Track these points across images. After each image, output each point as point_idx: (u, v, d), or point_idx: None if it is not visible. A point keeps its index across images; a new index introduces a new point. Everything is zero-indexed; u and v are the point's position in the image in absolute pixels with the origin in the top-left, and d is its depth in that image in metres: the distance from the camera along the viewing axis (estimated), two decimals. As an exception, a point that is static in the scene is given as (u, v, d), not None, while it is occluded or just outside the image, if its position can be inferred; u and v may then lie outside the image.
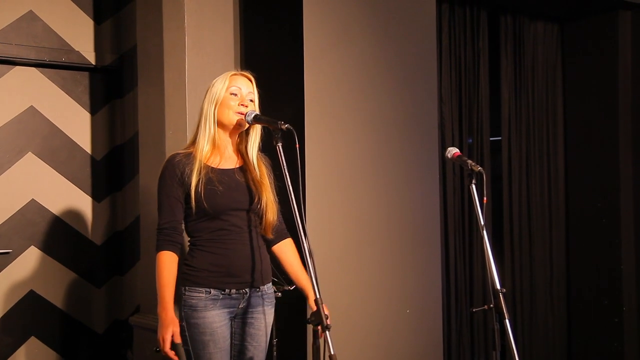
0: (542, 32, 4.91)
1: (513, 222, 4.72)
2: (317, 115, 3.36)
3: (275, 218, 2.66)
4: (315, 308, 2.43)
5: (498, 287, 2.55)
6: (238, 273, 2.57)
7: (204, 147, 2.59)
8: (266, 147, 2.73)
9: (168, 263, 2.52)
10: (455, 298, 4.35)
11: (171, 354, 2.45)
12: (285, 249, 2.76)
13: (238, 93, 2.62)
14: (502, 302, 2.52)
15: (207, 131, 2.60)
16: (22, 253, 3.82)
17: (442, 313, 3.92)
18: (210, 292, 2.55)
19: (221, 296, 2.56)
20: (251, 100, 2.65)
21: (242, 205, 2.59)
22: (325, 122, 3.41)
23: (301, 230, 2.35)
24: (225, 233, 2.57)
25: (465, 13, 4.49)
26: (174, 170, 2.56)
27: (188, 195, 2.55)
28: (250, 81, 2.68)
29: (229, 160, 2.65)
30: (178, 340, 2.47)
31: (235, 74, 2.67)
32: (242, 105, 2.61)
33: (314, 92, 3.35)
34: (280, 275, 2.99)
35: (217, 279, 2.56)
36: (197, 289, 2.56)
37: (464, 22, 4.47)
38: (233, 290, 2.58)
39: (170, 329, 2.45)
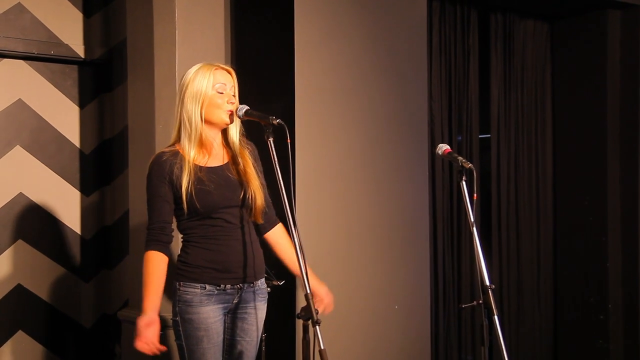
0: (532, 31, 4.93)
1: (501, 220, 4.74)
2: (307, 110, 3.36)
3: (263, 202, 2.64)
4: (312, 295, 2.43)
5: (487, 283, 2.56)
6: (232, 269, 2.57)
7: (191, 151, 2.54)
8: (257, 142, 2.73)
9: (154, 263, 2.51)
10: (443, 294, 4.37)
11: (162, 347, 2.46)
12: (278, 236, 2.75)
13: (223, 90, 2.56)
14: (491, 299, 2.53)
15: (194, 133, 2.53)
16: (9, 247, 3.80)
17: (430, 309, 3.94)
18: (205, 288, 2.54)
19: (216, 292, 2.56)
20: (233, 95, 2.61)
21: (233, 203, 2.58)
22: (316, 117, 3.41)
23: (292, 226, 2.35)
24: (219, 230, 2.56)
25: (456, 11, 4.50)
26: (161, 171, 2.53)
27: (178, 195, 2.52)
28: (230, 74, 2.62)
29: (217, 157, 2.62)
30: (159, 346, 2.46)
31: (216, 69, 2.58)
32: (230, 103, 2.58)
33: (305, 88, 3.35)
34: (270, 270, 2.99)
35: (211, 275, 2.55)
36: (192, 284, 2.55)
37: (455, 20, 4.49)
38: (228, 286, 2.57)
39: (152, 330, 2.44)
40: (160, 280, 2.52)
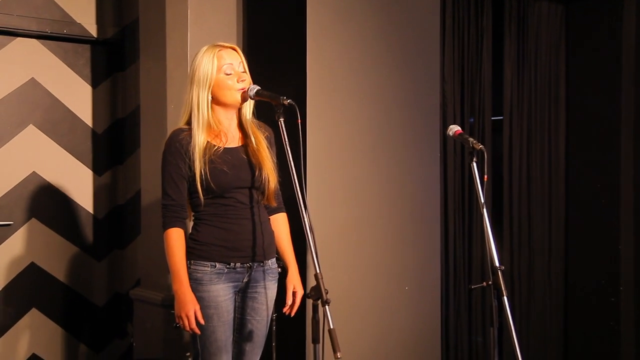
0: (546, 13, 4.88)
1: (513, 202, 4.73)
2: (319, 91, 3.35)
3: (277, 184, 2.68)
4: (289, 287, 2.64)
5: (497, 264, 2.56)
6: (242, 247, 2.59)
7: (200, 134, 2.54)
8: (268, 123, 2.74)
9: (178, 240, 2.54)
10: (454, 275, 4.37)
11: (197, 330, 2.50)
12: (277, 223, 2.78)
13: (232, 70, 2.57)
14: (501, 279, 2.54)
15: (202, 118, 2.55)
16: (23, 225, 3.84)
17: (440, 290, 3.95)
18: (215, 266, 2.57)
19: (226, 270, 2.58)
20: (244, 72, 2.61)
21: (246, 184, 2.60)
22: (327, 98, 3.40)
23: (302, 206, 2.36)
24: (230, 209, 2.58)
25: (470, -9, 4.46)
26: (178, 147, 2.55)
27: (192, 173, 2.55)
28: (236, 51, 2.62)
29: (233, 139, 2.64)
30: (202, 320, 2.50)
31: (220, 50, 2.58)
32: (241, 81, 2.58)
33: (317, 68, 3.34)
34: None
35: (222, 253, 2.57)
36: (202, 262, 2.57)
37: (468, 1, 4.44)
38: (238, 264, 2.59)
39: (192, 307, 2.48)
40: (185, 256, 2.56)
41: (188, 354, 2.61)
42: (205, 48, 2.61)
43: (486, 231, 2.61)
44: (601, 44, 4.81)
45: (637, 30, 4.70)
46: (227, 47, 2.61)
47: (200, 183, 2.53)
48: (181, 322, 2.50)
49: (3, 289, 3.79)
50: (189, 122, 2.60)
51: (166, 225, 2.56)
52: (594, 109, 4.84)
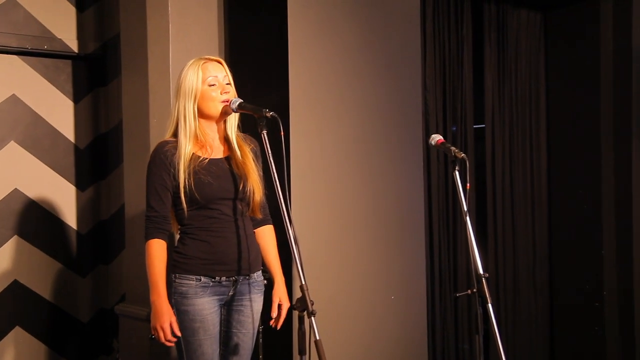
0: (525, 21, 4.94)
1: (496, 209, 4.76)
2: (301, 102, 3.36)
3: (262, 196, 2.68)
4: (275, 299, 2.64)
5: (481, 272, 2.57)
6: (227, 260, 2.59)
7: (186, 145, 2.56)
8: (252, 136, 2.74)
9: (159, 251, 2.54)
10: (440, 284, 4.39)
11: (171, 343, 2.49)
12: (264, 235, 2.78)
13: (216, 82, 2.59)
14: (485, 287, 2.55)
15: (188, 129, 2.57)
16: (5, 243, 3.81)
17: (426, 299, 3.96)
18: (200, 280, 2.57)
19: (211, 283, 2.58)
20: (228, 84, 2.64)
21: (231, 195, 2.60)
22: (310, 109, 3.41)
23: (286, 218, 2.36)
24: (214, 221, 2.58)
25: (449, 1, 4.49)
26: (163, 158, 2.56)
27: (177, 184, 2.55)
28: (221, 64, 2.66)
29: (218, 150, 2.66)
30: (178, 332, 2.50)
31: (205, 62, 2.62)
32: (224, 93, 2.60)
33: (299, 80, 3.35)
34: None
35: (207, 267, 2.57)
36: (187, 276, 2.57)
37: (448, 10, 4.48)
38: (223, 278, 2.59)
39: (168, 319, 2.48)
40: (165, 268, 2.56)
41: None
42: (191, 61, 2.64)
43: (470, 239, 2.62)
44: (580, 51, 4.86)
45: (614, 36, 4.76)
46: (212, 60, 2.65)
47: (184, 193, 2.53)
48: (156, 334, 2.49)
49: (-14, 307, 3.76)
50: (175, 135, 2.61)
51: (147, 237, 2.56)
52: (574, 115, 4.89)
